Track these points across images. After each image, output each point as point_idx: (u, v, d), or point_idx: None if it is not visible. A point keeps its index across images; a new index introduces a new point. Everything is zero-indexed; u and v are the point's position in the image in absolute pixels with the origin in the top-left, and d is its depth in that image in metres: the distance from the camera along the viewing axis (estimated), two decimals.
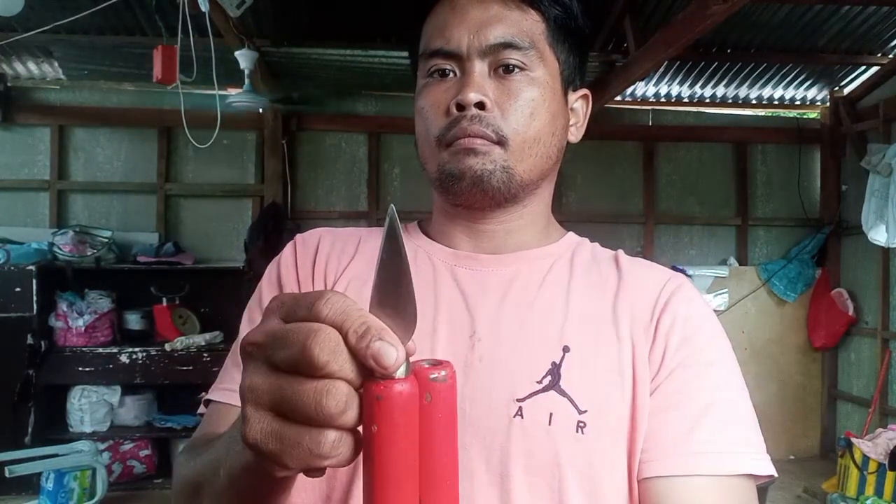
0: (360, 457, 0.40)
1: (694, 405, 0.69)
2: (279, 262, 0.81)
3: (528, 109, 0.73)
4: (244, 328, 0.82)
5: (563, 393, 0.68)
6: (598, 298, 0.75)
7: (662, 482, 0.66)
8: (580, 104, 0.82)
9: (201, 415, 0.79)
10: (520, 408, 0.67)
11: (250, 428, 0.40)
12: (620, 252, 0.82)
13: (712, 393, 0.70)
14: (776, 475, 0.69)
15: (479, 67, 0.73)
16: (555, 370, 0.69)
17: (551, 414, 0.67)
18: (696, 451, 0.66)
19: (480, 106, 0.71)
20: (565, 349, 0.70)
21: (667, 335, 0.72)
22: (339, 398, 0.38)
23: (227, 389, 0.76)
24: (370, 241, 0.82)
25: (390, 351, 0.37)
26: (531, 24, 0.74)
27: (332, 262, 0.79)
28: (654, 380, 0.70)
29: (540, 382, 0.68)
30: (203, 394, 0.82)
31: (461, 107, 0.71)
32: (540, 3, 0.74)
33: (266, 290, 0.80)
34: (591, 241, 0.85)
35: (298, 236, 0.83)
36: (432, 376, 0.39)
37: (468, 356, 0.70)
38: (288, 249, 0.82)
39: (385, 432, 0.38)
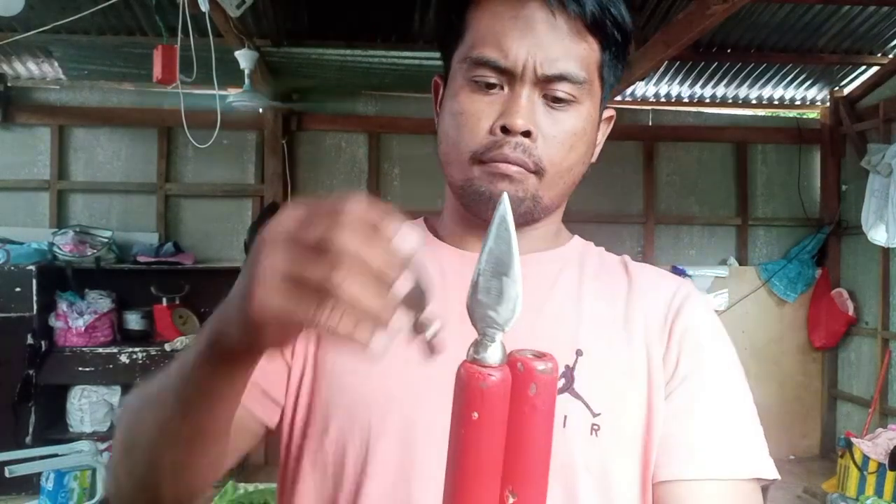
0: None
1: (707, 411, 0.70)
2: None
3: (569, 142, 0.72)
4: None
5: (577, 395, 0.68)
6: (609, 302, 0.75)
7: (677, 485, 0.68)
8: (603, 126, 0.80)
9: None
10: None
11: (264, 282, 0.42)
12: (627, 257, 0.82)
13: (724, 399, 0.72)
14: (779, 478, 0.71)
15: (530, 92, 0.70)
16: (568, 373, 0.69)
17: (565, 416, 0.68)
18: (709, 456, 0.68)
19: (526, 134, 0.69)
20: (578, 352, 0.70)
21: (680, 341, 0.73)
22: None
23: None
24: None
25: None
26: (589, 54, 0.72)
27: None
28: (667, 385, 0.71)
29: None
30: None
31: (506, 130, 0.69)
32: (603, 32, 0.72)
33: None
34: (592, 244, 0.85)
35: None
36: (540, 368, 0.39)
37: None
38: None
39: (484, 420, 0.37)
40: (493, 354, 0.38)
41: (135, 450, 0.63)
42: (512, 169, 0.70)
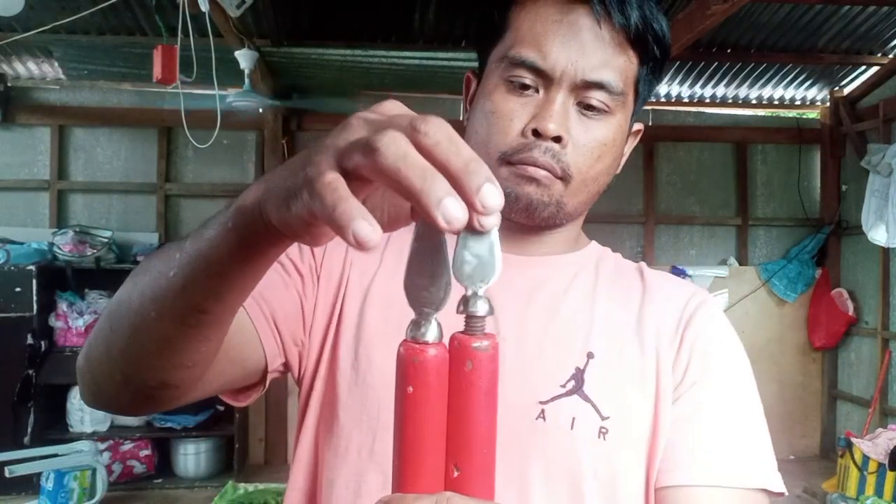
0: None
1: (714, 418, 0.70)
2: None
3: (597, 152, 0.72)
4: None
5: (586, 398, 0.69)
6: (622, 308, 0.75)
7: (680, 491, 0.68)
8: (631, 139, 0.80)
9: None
10: (542, 410, 0.68)
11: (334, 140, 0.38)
12: (643, 264, 0.82)
13: (732, 408, 0.72)
14: (787, 493, 0.71)
15: (565, 97, 0.70)
16: (579, 375, 0.69)
17: (574, 418, 0.68)
18: (713, 463, 0.68)
19: (557, 139, 0.69)
20: (589, 355, 0.71)
21: (691, 348, 0.73)
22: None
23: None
24: (402, 233, 0.81)
25: (497, 193, 0.35)
26: (627, 66, 0.72)
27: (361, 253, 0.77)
28: (675, 390, 0.71)
29: (563, 386, 0.69)
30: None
31: (537, 133, 0.69)
32: (644, 46, 0.72)
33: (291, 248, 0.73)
34: (609, 250, 0.85)
35: None
36: (475, 345, 0.40)
37: None
38: None
39: (419, 394, 0.39)
40: (427, 332, 0.40)
41: (122, 315, 0.56)
42: (540, 173, 0.70)
